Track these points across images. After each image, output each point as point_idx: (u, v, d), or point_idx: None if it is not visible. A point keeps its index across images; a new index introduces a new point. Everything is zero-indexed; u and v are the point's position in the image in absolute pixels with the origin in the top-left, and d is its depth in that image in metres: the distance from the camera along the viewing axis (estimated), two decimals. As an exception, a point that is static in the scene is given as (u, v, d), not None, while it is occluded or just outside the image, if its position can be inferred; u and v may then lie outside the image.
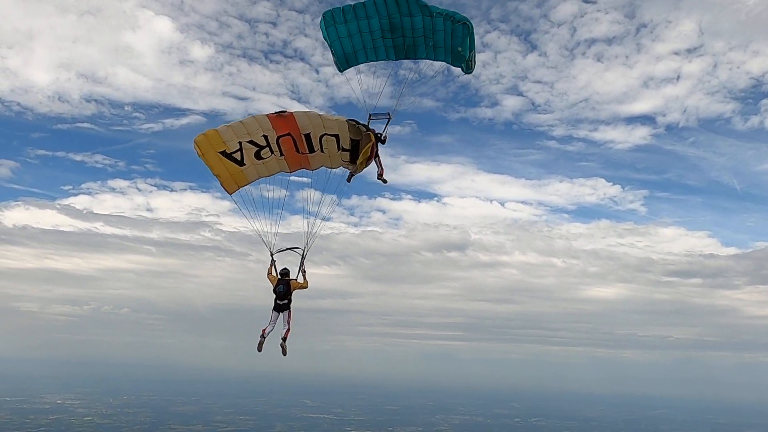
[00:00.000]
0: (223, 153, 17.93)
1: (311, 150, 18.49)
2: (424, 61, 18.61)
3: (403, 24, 17.52)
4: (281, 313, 19.00)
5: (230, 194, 18.81)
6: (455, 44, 17.51)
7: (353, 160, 18.38)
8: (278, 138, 18.18)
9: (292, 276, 19.14)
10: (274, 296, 18.97)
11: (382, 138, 18.66)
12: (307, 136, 18.18)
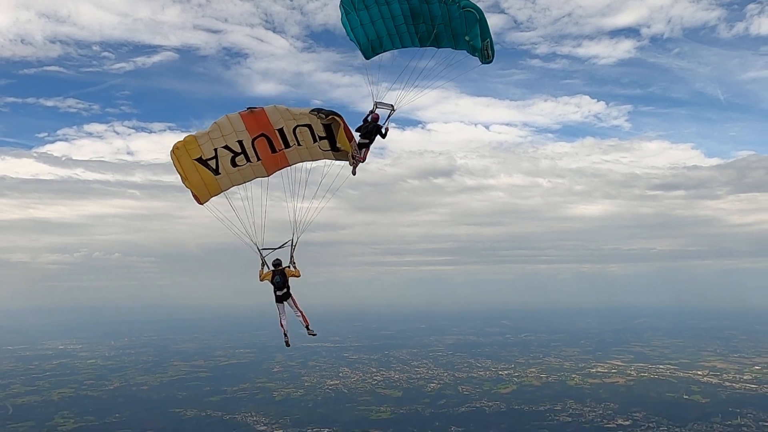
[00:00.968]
0: (199, 159, 17.99)
1: (287, 145, 18.37)
2: (444, 50, 18.11)
3: (422, 10, 17.21)
4: (285, 303, 19.62)
5: (201, 204, 18.81)
6: (465, 33, 17.19)
7: (333, 147, 18.09)
8: (253, 140, 18.07)
9: (285, 265, 19.46)
10: (273, 288, 19.42)
11: (383, 131, 18.52)
12: (281, 131, 18.07)
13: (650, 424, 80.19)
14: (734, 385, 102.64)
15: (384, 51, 18.61)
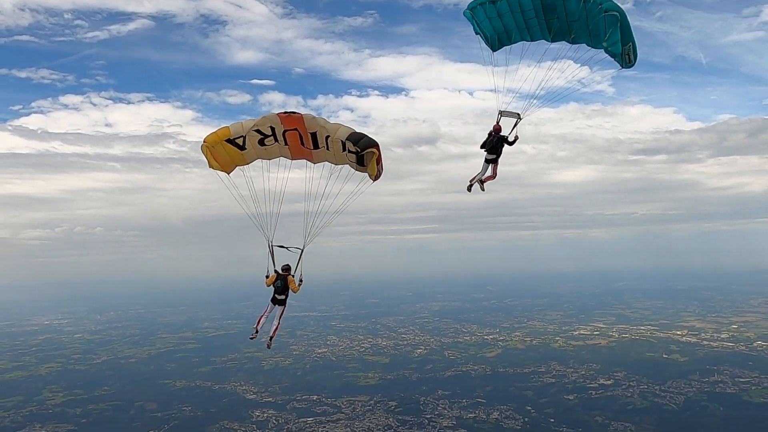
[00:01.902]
0: (228, 140, 19.06)
1: (316, 146, 19.15)
2: (580, 48, 17.68)
3: (556, 5, 16.78)
4: (276, 306, 20.45)
5: (228, 173, 19.63)
6: (603, 37, 16.68)
7: (359, 162, 18.71)
8: (285, 131, 18.95)
9: (293, 272, 20.10)
10: (273, 290, 20.17)
11: (511, 139, 18.59)
12: (313, 135, 18.87)
13: (631, 383, 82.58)
14: (712, 344, 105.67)
15: (512, 44, 18.47)
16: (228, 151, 19.25)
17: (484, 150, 18.66)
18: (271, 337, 20.77)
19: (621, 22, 16.19)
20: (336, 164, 19.54)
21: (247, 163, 19.67)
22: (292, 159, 19.95)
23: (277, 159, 19.97)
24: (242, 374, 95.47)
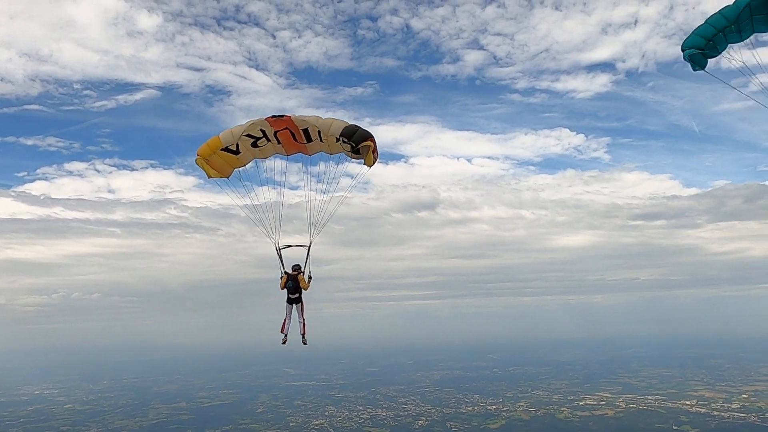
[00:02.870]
0: (221, 149, 19.36)
1: (309, 140, 19.43)
2: None
3: None
4: (294, 306, 20.71)
5: (227, 177, 20.02)
6: None
7: (354, 150, 18.88)
8: (276, 132, 19.22)
9: (303, 269, 20.34)
10: (286, 291, 20.45)
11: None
12: (305, 131, 19.14)
13: (641, 457, 79.25)
14: (723, 414, 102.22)
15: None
16: (223, 157, 19.44)
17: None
18: (303, 334, 20.80)
19: None
20: (331, 153, 19.72)
21: (244, 165, 19.97)
22: (287, 154, 20.09)
23: (273, 159, 20.23)
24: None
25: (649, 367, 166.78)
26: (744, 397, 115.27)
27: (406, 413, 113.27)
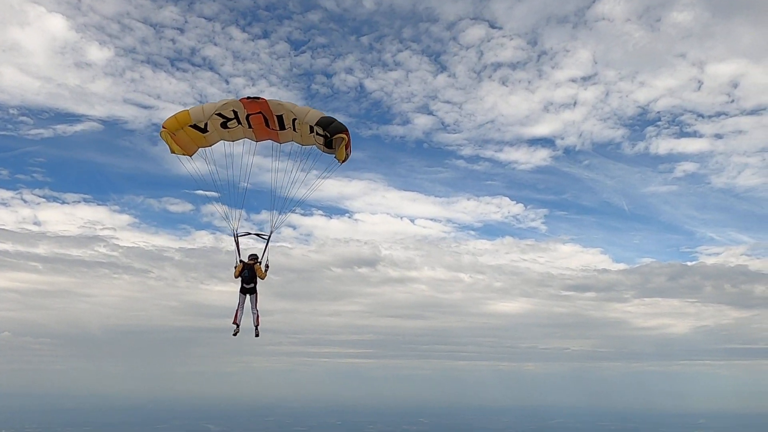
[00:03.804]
0: (189, 125, 18.34)
1: (282, 128, 18.58)
2: None
3: None
4: (248, 296, 19.72)
5: (190, 156, 18.93)
6: None
7: (327, 145, 18.30)
8: (248, 115, 18.33)
9: (261, 259, 19.47)
10: (240, 280, 19.42)
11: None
12: (279, 117, 18.32)
13: None
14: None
15: None
16: (189, 134, 18.47)
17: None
18: (257, 326, 19.80)
19: None
20: (302, 144, 18.95)
21: (210, 145, 18.96)
22: (256, 140, 19.21)
23: (241, 141, 19.24)
24: None
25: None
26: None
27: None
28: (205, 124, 18.30)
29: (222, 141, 19.14)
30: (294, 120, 18.19)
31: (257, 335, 19.73)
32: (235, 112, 18.24)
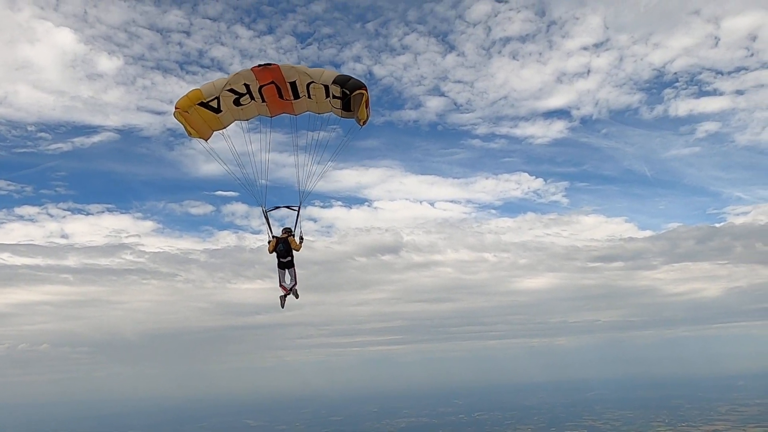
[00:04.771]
0: (201, 103, 17.80)
1: (296, 96, 18.06)
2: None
3: None
4: (286, 270, 19.79)
5: (206, 140, 18.61)
6: None
7: (344, 107, 17.75)
8: (261, 87, 17.85)
9: (294, 232, 19.40)
10: (276, 255, 19.37)
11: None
12: (293, 84, 17.75)
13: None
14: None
15: None
16: (202, 115, 18.11)
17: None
18: (294, 288, 19.96)
19: None
20: (319, 113, 18.53)
21: (224, 127, 18.68)
22: (271, 116, 18.89)
23: (258, 128, 19.05)
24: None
25: (613, 409, 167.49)
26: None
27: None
28: (218, 103, 17.90)
29: (236, 122, 18.77)
30: (309, 84, 17.66)
31: (297, 297, 19.95)
32: (247, 86, 17.82)
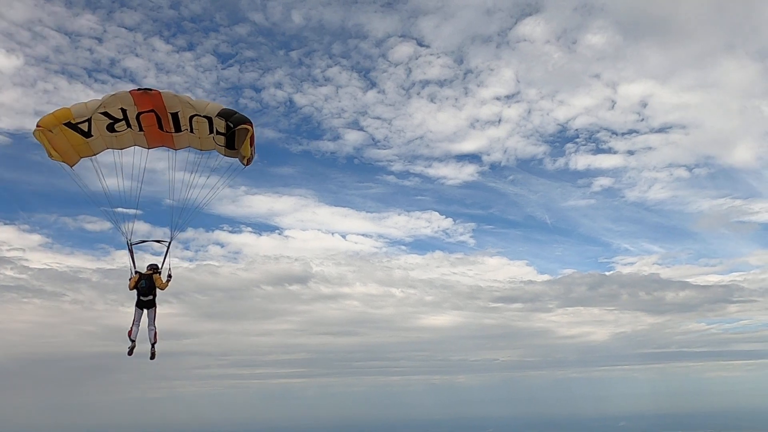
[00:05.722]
0: (68, 124, 15.78)
1: (178, 129, 16.56)
2: None
3: None
4: (145, 311, 17.80)
5: (71, 166, 16.66)
6: None
7: (229, 145, 16.55)
8: (139, 114, 16.13)
9: (161, 268, 17.75)
10: (137, 292, 17.55)
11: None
12: (174, 115, 16.25)
13: None
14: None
15: None
16: (70, 138, 15.97)
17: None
18: (153, 344, 17.73)
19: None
20: (201, 149, 17.03)
21: (94, 154, 16.67)
22: (148, 148, 17.08)
23: (132, 147, 16.99)
24: None
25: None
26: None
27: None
28: (89, 127, 15.93)
29: (109, 150, 16.87)
30: (192, 117, 16.27)
31: (152, 357, 17.63)
32: (124, 111, 15.97)
